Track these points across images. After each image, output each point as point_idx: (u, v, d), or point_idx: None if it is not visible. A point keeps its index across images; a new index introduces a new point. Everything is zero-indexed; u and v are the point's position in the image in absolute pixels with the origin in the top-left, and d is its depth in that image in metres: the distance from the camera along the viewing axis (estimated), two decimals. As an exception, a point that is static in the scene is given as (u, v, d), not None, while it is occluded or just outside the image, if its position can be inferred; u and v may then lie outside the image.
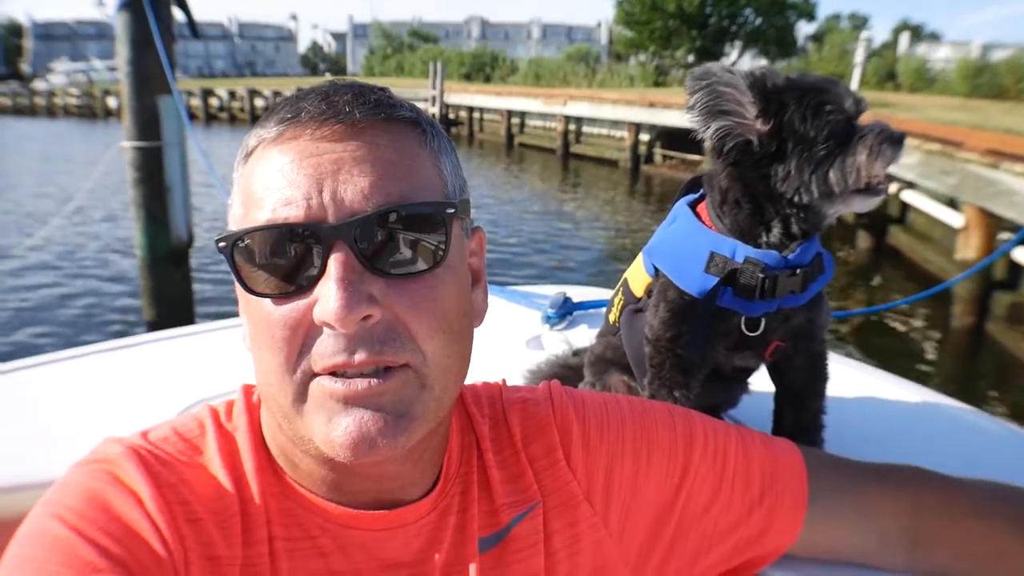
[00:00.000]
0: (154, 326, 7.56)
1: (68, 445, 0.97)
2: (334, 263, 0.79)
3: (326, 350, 0.80)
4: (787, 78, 1.30)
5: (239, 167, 0.91)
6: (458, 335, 0.89)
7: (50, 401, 1.82)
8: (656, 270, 1.44)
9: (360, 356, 0.80)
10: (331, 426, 0.81)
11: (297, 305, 0.82)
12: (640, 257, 1.51)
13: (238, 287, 0.87)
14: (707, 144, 1.32)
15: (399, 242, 0.83)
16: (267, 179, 0.84)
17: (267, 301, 0.83)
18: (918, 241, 12.04)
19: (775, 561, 1.17)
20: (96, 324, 9.41)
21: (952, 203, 10.75)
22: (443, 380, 0.87)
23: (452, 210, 0.87)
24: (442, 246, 0.86)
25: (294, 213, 0.81)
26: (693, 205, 1.45)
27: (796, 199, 1.28)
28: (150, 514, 0.82)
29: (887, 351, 9.23)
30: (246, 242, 0.83)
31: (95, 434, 0.95)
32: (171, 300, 7.95)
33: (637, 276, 1.52)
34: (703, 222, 1.40)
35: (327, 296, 0.78)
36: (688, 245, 1.38)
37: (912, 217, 12.87)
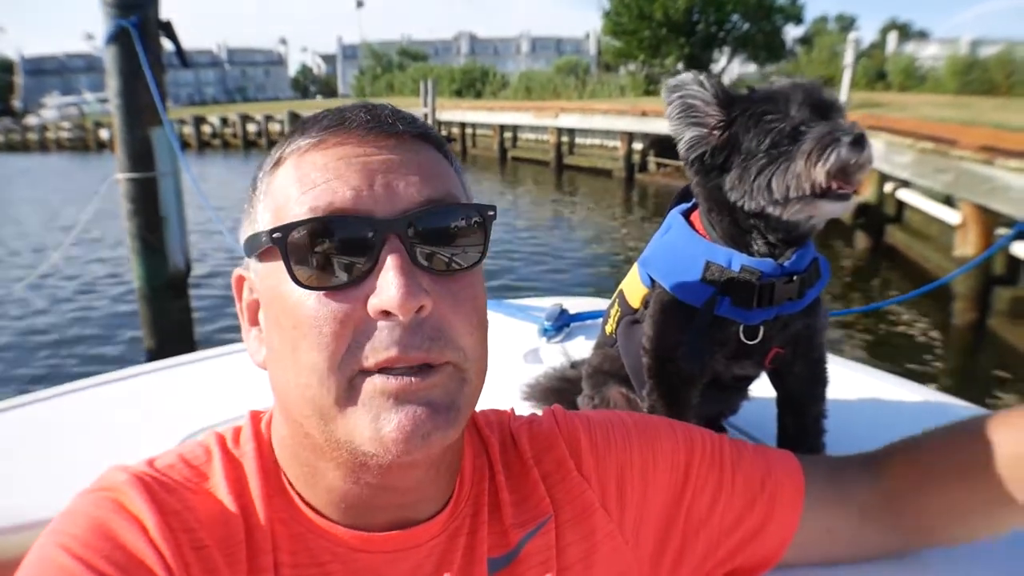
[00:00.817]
0: (154, 356, 7.48)
1: (71, 481, 0.95)
2: (392, 253, 0.82)
3: (380, 344, 0.81)
4: (750, 88, 1.31)
5: (264, 178, 0.93)
6: (486, 332, 0.93)
7: (52, 437, 1.80)
8: (652, 280, 1.44)
9: (415, 351, 0.82)
10: (381, 422, 0.82)
11: (349, 297, 0.83)
12: (635, 268, 1.51)
13: (267, 287, 0.89)
14: (680, 155, 1.35)
15: (446, 239, 0.87)
16: (311, 177, 0.86)
17: (313, 296, 0.83)
18: (915, 239, 12.03)
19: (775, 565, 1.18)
20: (96, 356, 9.35)
21: (948, 200, 10.75)
22: (478, 375, 0.91)
23: (492, 212, 0.92)
24: (482, 246, 0.90)
25: (343, 204, 0.83)
26: (687, 214, 1.45)
27: (747, 208, 1.28)
28: (154, 542, 0.82)
29: (889, 350, 9.22)
30: (302, 233, 0.83)
31: (99, 467, 0.95)
32: (171, 329, 7.93)
33: (633, 287, 1.52)
34: (697, 231, 1.40)
35: (386, 285, 0.80)
36: (683, 255, 1.38)
37: (908, 215, 12.87)
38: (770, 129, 1.23)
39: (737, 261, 1.31)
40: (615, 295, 1.61)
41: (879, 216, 13.32)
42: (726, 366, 1.45)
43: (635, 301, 1.50)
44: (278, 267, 0.86)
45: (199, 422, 1.79)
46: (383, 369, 0.82)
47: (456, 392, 0.86)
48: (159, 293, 7.76)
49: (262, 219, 0.91)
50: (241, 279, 0.98)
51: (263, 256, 0.90)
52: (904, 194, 12.50)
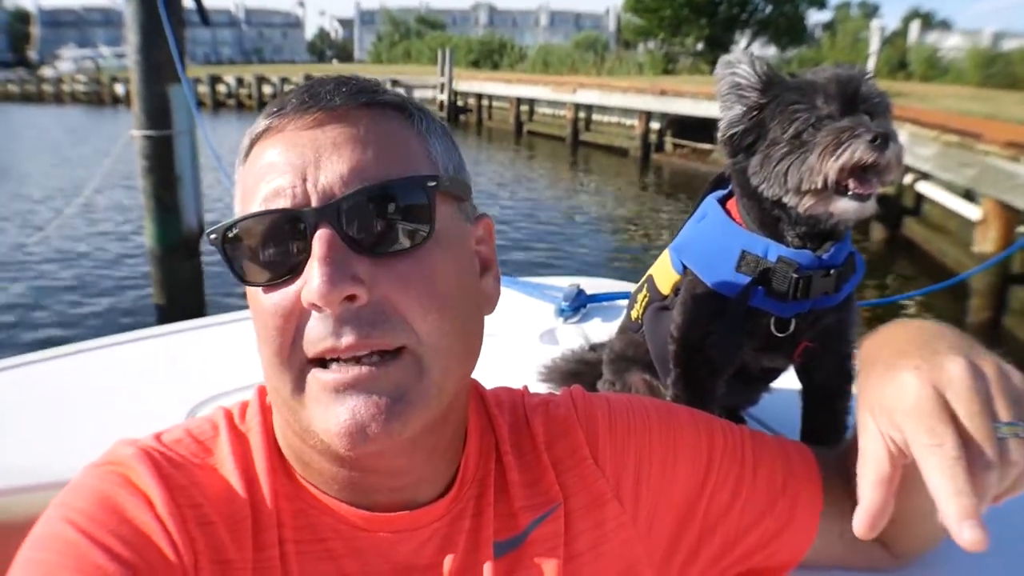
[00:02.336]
0: (164, 316, 7.52)
1: (81, 444, 0.99)
2: (317, 243, 0.79)
3: (314, 335, 0.80)
4: (791, 74, 1.29)
5: (239, 167, 0.92)
6: (458, 316, 0.88)
7: (60, 397, 1.81)
8: (684, 268, 1.41)
9: (347, 339, 0.79)
10: (327, 416, 0.81)
11: (287, 292, 0.82)
12: (667, 253, 1.48)
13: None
14: (719, 132, 1.33)
15: (383, 221, 0.83)
16: (258, 172, 0.86)
17: (260, 291, 0.84)
18: (933, 233, 11.93)
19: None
20: (107, 315, 9.36)
21: (968, 195, 10.65)
22: (442, 362, 0.85)
23: (433, 183, 0.86)
24: (427, 222, 0.85)
25: (282, 202, 0.82)
26: (723, 201, 1.42)
27: (766, 194, 1.26)
28: (161, 517, 0.82)
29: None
30: (235, 232, 0.84)
31: (107, 431, 0.96)
32: (182, 290, 7.93)
33: (664, 273, 1.49)
34: (733, 219, 1.37)
35: (311, 276, 0.78)
36: (719, 243, 1.35)
37: (927, 208, 12.75)
38: (795, 118, 1.21)
39: (774, 251, 1.29)
40: (643, 280, 1.58)
41: (897, 208, 13.18)
42: (754, 358, 1.42)
43: (665, 287, 1.48)
44: None
45: (209, 388, 1.79)
46: (324, 361, 0.81)
47: (409, 385, 0.83)
48: (171, 253, 7.75)
49: (235, 212, 0.90)
50: None
51: None
52: (923, 187, 12.38)
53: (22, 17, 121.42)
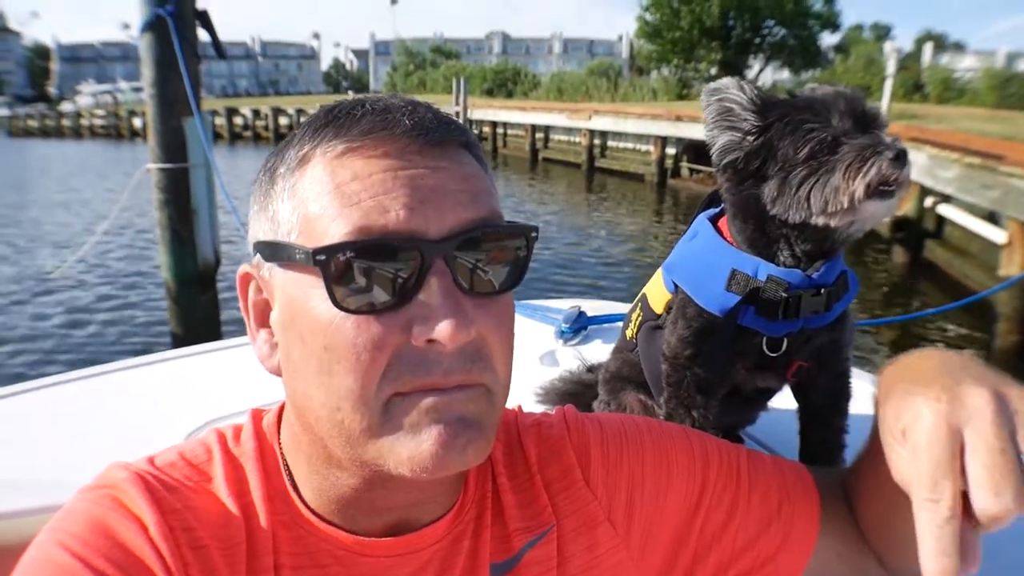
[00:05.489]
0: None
1: (74, 468, 1.00)
2: (439, 280, 0.78)
3: (423, 371, 0.79)
4: (790, 94, 1.30)
5: (288, 175, 0.85)
6: (513, 354, 0.90)
7: (55, 423, 1.81)
8: (676, 286, 1.42)
9: (455, 377, 0.79)
10: (419, 439, 0.79)
11: (389, 322, 0.79)
12: (659, 273, 1.50)
13: (292, 299, 0.83)
14: (713, 160, 1.32)
15: (490, 260, 0.83)
16: (353, 188, 0.79)
17: (351, 319, 0.78)
18: (956, 256, 11.79)
19: None
20: (123, 348, 9.34)
21: (991, 217, 10.53)
22: (504, 395, 0.88)
23: (535, 234, 0.88)
24: (521, 270, 0.87)
25: (394, 225, 0.78)
26: (714, 220, 1.43)
27: (790, 220, 1.26)
28: (154, 541, 0.81)
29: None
30: (348, 255, 0.77)
31: (101, 457, 0.95)
32: (198, 323, 7.84)
33: (656, 292, 1.50)
34: (724, 238, 1.38)
35: (436, 314, 0.77)
36: (709, 262, 1.36)
37: (948, 231, 12.62)
38: (809, 138, 1.20)
39: (764, 271, 1.29)
40: (637, 299, 1.60)
41: (918, 231, 13.06)
42: (747, 377, 1.43)
43: (658, 307, 1.49)
44: (308, 281, 0.81)
45: (204, 415, 1.79)
46: (423, 389, 0.80)
47: (485, 412, 0.83)
48: (187, 286, 7.70)
49: (286, 224, 0.84)
50: (248, 277, 0.92)
51: (289, 265, 0.83)
52: (945, 209, 12.25)
53: (42, 53, 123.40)
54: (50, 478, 1.50)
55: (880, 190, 1.18)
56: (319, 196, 0.81)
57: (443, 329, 0.76)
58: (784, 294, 1.27)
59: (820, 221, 1.22)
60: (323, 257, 0.77)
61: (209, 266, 7.75)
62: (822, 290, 1.29)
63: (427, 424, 0.79)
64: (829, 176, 1.18)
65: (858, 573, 1.14)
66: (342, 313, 0.78)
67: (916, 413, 0.81)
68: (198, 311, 7.84)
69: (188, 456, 0.94)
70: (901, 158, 1.16)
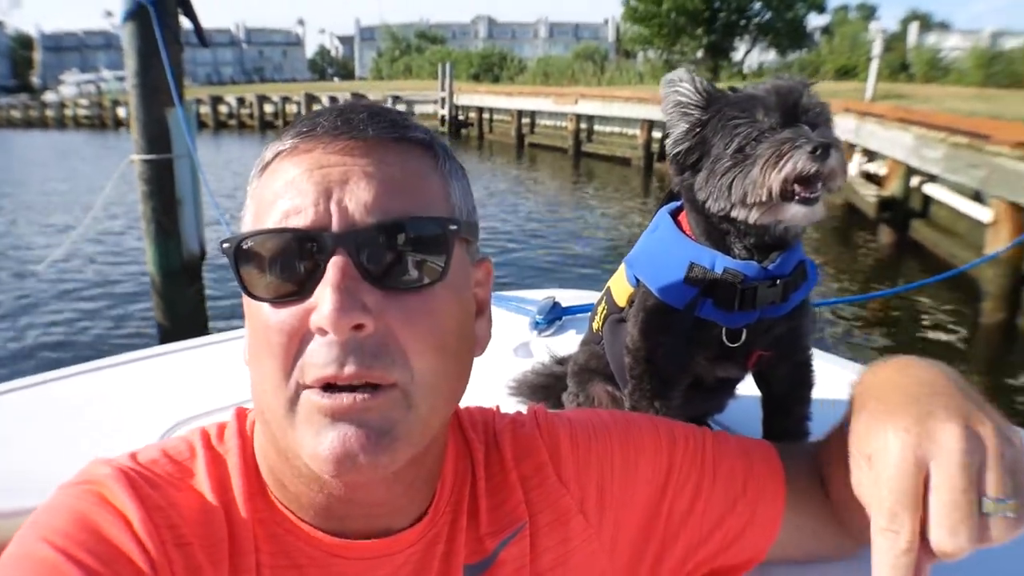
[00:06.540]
0: (167, 342, 7.40)
1: (53, 472, 0.96)
2: (332, 269, 0.80)
3: (317, 360, 0.80)
4: (731, 89, 1.32)
5: (254, 179, 0.92)
6: (453, 357, 0.89)
7: (37, 424, 1.80)
8: (637, 280, 1.44)
9: (349, 369, 0.79)
10: (317, 439, 0.81)
11: (295, 311, 0.82)
12: (623, 266, 1.51)
13: (243, 295, 0.87)
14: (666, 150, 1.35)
15: (399, 255, 0.84)
16: (278, 188, 0.86)
17: (266, 306, 0.83)
18: (943, 235, 11.81)
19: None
20: (110, 341, 9.31)
21: (977, 196, 10.56)
22: (430, 401, 0.86)
23: (455, 227, 0.88)
24: (442, 262, 0.87)
25: (300, 220, 0.82)
26: (675, 214, 1.45)
27: (713, 209, 1.28)
28: (138, 537, 0.81)
29: (913, 347, 9.03)
30: (250, 244, 0.84)
31: (83, 458, 0.94)
32: (184, 315, 7.81)
33: (620, 285, 1.52)
34: (684, 231, 1.40)
35: (323, 300, 0.79)
36: (668, 255, 1.38)
37: (935, 210, 12.65)
38: (736, 133, 1.23)
39: (721, 263, 1.31)
40: (603, 292, 1.62)
41: (905, 210, 13.10)
42: (708, 368, 1.45)
43: (621, 300, 1.51)
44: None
45: (183, 411, 1.79)
46: (323, 386, 0.81)
47: (396, 419, 0.83)
48: (173, 278, 7.66)
49: (245, 222, 0.91)
50: None
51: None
52: (931, 189, 12.30)
53: (24, 42, 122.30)
54: (25, 479, 1.48)
55: (803, 197, 1.20)
56: (261, 197, 0.88)
57: (324, 315, 0.78)
58: (740, 286, 1.30)
59: (741, 214, 1.25)
60: (227, 245, 0.85)
61: (194, 258, 7.72)
62: (778, 281, 1.31)
63: (326, 426, 0.80)
64: (750, 169, 1.21)
65: (832, 548, 1.19)
66: (259, 302, 0.84)
67: (884, 442, 0.84)
68: (184, 304, 7.81)
69: (171, 453, 0.95)
70: (821, 151, 1.16)
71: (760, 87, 1.26)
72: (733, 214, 1.26)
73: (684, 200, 1.38)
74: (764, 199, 1.20)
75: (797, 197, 1.20)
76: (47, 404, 1.88)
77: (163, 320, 7.87)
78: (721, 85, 1.34)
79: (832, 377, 1.54)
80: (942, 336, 9.51)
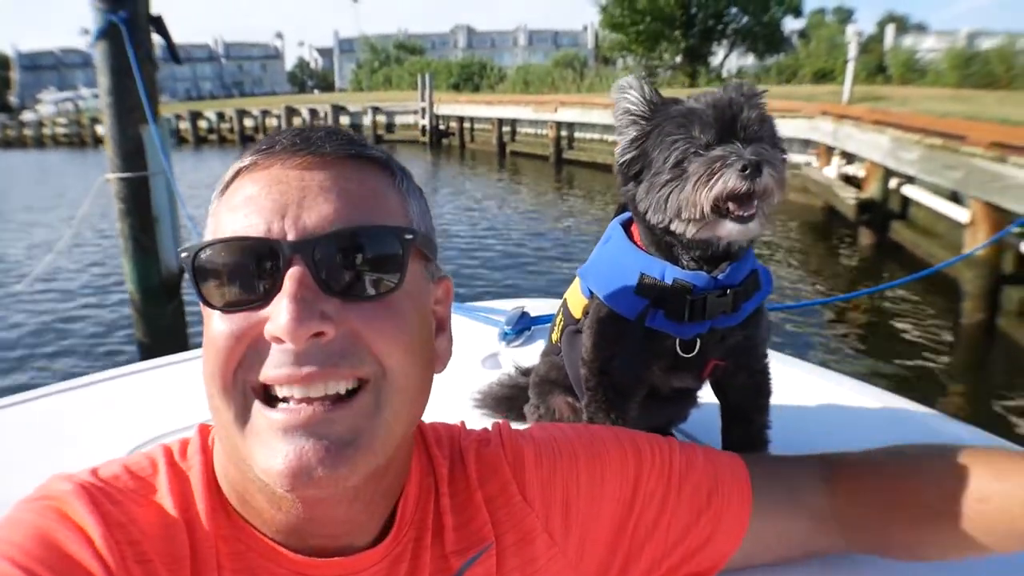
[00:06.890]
0: (148, 359, 7.35)
1: (16, 492, 0.93)
2: (289, 279, 0.80)
3: (274, 360, 0.81)
4: (674, 100, 1.31)
5: (216, 199, 0.93)
6: (419, 360, 0.91)
7: (4, 443, 1.80)
8: (591, 292, 1.44)
9: (308, 369, 0.80)
10: (270, 452, 0.81)
11: (247, 317, 0.82)
12: (578, 278, 1.52)
13: (201, 304, 0.87)
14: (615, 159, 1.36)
15: (356, 265, 0.85)
16: (237, 203, 0.87)
17: (217, 314, 0.84)
18: (922, 236, 11.88)
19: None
20: (90, 360, 9.20)
21: (955, 197, 10.62)
22: (398, 402, 0.87)
23: (411, 236, 0.89)
24: (399, 271, 0.87)
25: (252, 231, 0.83)
26: (627, 225, 1.45)
27: (653, 221, 1.28)
28: (100, 553, 0.80)
29: (894, 348, 9.10)
30: (208, 253, 0.85)
31: (43, 476, 0.93)
32: (164, 331, 7.77)
33: (575, 297, 1.53)
34: (635, 242, 1.40)
35: (279, 310, 0.79)
36: (619, 266, 1.38)
37: (914, 212, 12.72)
38: (673, 149, 1.23)
39: (671, 274, 1.31)
40: (560, 304, 1.62)
41: (884, 212, 13.16)
42: (664, 378, 1.45)
43: (577, 311, 1.51)
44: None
45: (156, 429, 1.77)
46: (271, 397, 0.82)
47: (362, 428, 0.84)
48: (151, 295, 7.62)
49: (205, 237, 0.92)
50: None
51: None
52: (910, 190, 12.36)
53: (1, 62, 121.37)
54: None
55: (737, 215, 1.21)
56: (220, 212, 0.90)
57: (281, 325, 0.78)
58: (689, 296, 1.30)
59: (679, 228, 1.25)
60: (185, 254, 0.86)
61: (173, 275, 7.68)
62: (728, 291, 1.31)
63: (279, 438, 0.81)
64: (684, 186, 1.21)
65: (804, 550, 1.22)
66: (212, 310, 0.85)
67: None
68: (163, 320, 7.77)
69: (133, 468, 0.94)
70: (751, 171, 1.16)
71: (702, 99, 1.26)
72: (672, 228, 1.26)
73: (631, 211, 1.38)
74: (697, 216, 1.21)
75: (731, 215, 1.21)
76: (16, 424, 1.87)
77: (143, 337, 7.84)
78: (677, 92, 1.34)
79: (793, 381, 1.54)
80: (923, 337, 9.53)
